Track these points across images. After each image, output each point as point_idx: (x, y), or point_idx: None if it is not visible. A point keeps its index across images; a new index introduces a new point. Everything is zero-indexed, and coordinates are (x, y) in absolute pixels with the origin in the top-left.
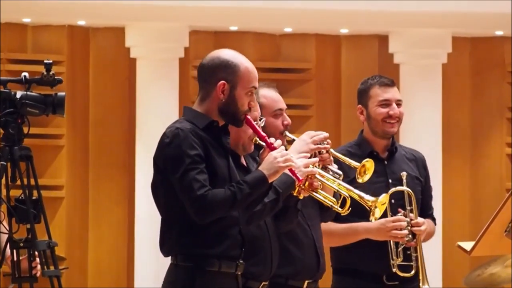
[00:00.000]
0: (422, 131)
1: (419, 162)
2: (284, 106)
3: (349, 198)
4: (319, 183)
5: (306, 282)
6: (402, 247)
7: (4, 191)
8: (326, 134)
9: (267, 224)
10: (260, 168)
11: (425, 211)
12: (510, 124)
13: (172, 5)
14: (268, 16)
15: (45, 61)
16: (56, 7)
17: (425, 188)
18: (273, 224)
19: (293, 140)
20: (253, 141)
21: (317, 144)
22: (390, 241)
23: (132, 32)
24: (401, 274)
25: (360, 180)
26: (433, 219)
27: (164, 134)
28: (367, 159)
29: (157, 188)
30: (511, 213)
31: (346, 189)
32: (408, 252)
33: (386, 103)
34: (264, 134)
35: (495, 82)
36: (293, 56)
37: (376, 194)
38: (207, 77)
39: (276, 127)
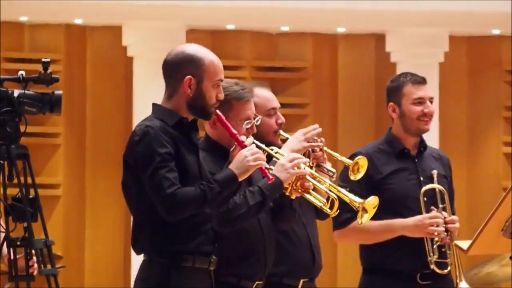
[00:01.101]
0: None
1: (445, 162)
2: (277, 105)
3: (337, 200)
4: (311, 183)
5: (301, 281)
6: (437, 244)
7: (1, 190)
8: (318, 130)
9: (262, 225)
10: (230, 166)
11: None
12: (506, 123)
13: (169, 4)
14: (265, 15)
15: (43, 60)
16: (53, 6)
17: (449, 188)
18: (269, 224)
19: (287, 139)
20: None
21: (310, 142)
22: (425, 238)
23: (129, 31)
24: (438, 271)
25: (352, 178)
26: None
27: (134, 132)
28: (360, 156)
29: (127, 186)
30: (508, 212)
31: (336, 191)
32: (443, 250)
33: (420, 101)
34: (234, 131)
35: (492, 81)
36: (290, 55)
37: (409, 191)
38: (172, 73)
39: (270, 126)
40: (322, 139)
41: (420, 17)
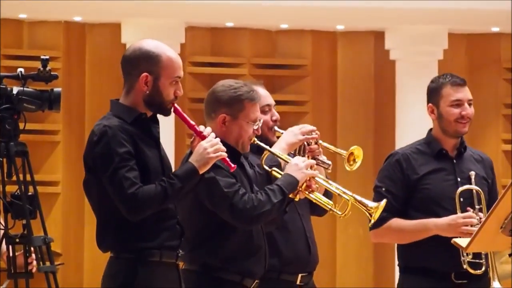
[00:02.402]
0: (418, 128)
1: (487, 164)
2: (272, 102)
3: (350, 202)
4: (317, 185)
5: (299, 276)
6: None
7: None
8: (314, 128)
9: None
10: (190, 159)
11: None
12: (506, 120)
13: (168, 1)
14: (264, 12)
15: (42, 57)
16: (52, 3)
17: (492, 190)
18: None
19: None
20: (252, 141)
21: (305, 135)
22: (460, 238)
23: (128, 28)
24: (472, 271)
25: (348, 168)
26: None
27: (93, 132)
28: (355, 146)
29: (89, 186)
30: (507, 209)
31: (342, 192)
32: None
33: (458, 103)
34: (193, 122)
35: (491, 79)
36: (289, 52)
37: (446, 191)
38: (129, 69)
39: (265, 122)
40: (317, 132)
41: (419, 14)
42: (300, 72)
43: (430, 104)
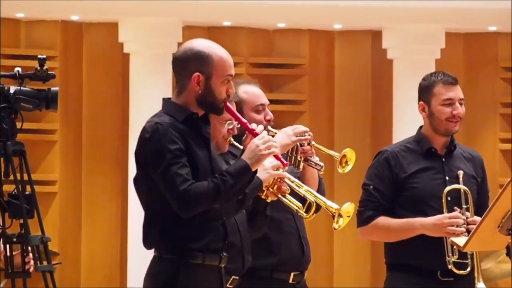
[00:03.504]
0: (415, 127)
1: (477, 162)
2: (266, 101)
3: (315, 204)
4: (287, 187)
5: (292, 274)
6: None
7: None
8: (306, 129)
9: (237, 223)
10: (243, 157)
11: (481, 211)
12: (503, 119)
13: (165, 0)
14: (262, 11)
15: (39, 56)
16: (50, 3)
17: (482, 188)
18: (244, 223)
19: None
20: (228, 140)
21: (298, 136)
22: (445, 237)
23: (125, 27)
24: (457, 272)
25: (340, 171)
26: None
27: (144, 129)
28: (347, 149)
29: (139, 183)
30: (505, 209)
31: (313, 196)
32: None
33: (450, 102)
34: (245, 120)
35: (488, 78)
36: (287, 51)
37: (434, 190)
38: (181, 70)
39: (259, 122)
40: (311, 133)
41: (416, 13)
42: (298, 71)
43: (421, 102)
